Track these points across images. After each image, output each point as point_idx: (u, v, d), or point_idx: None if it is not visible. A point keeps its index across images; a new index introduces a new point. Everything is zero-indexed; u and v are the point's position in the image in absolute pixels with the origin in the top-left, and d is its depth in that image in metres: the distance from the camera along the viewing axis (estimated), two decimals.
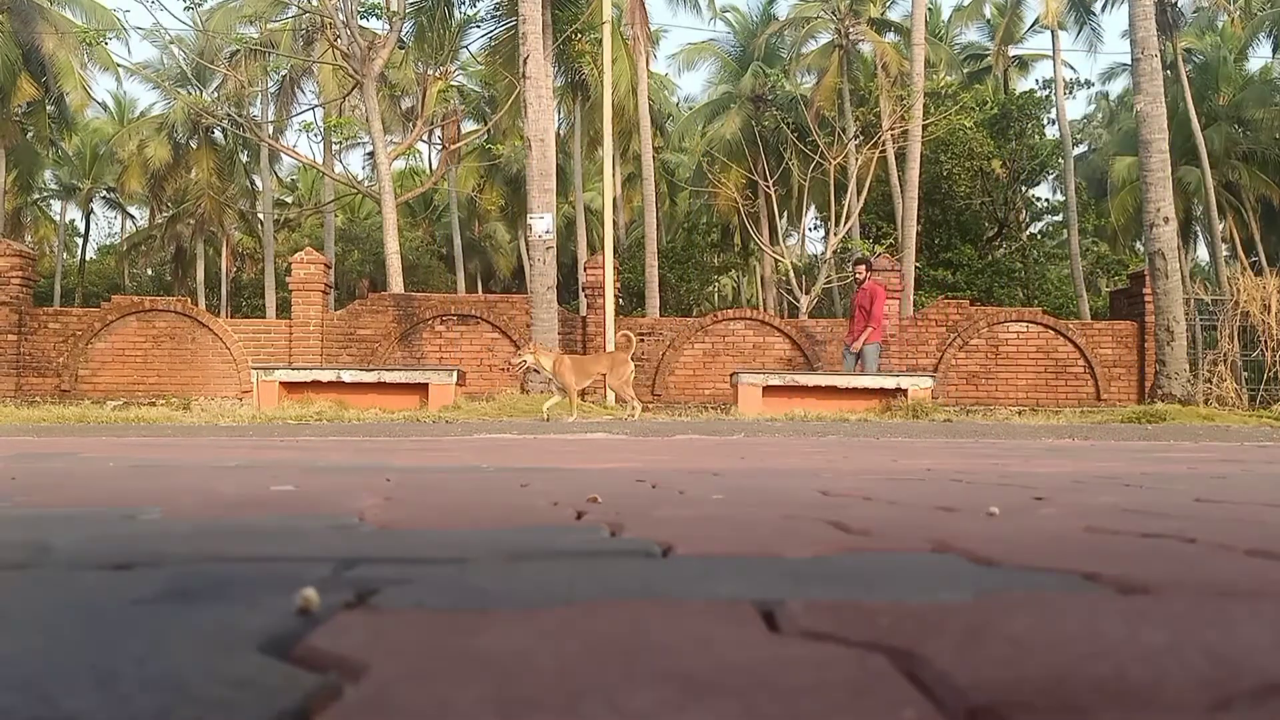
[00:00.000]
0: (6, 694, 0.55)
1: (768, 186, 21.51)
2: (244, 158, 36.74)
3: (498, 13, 22.90)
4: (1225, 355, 14.47)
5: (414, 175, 41.59)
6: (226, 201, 35.78)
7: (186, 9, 18.94)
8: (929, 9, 27.44)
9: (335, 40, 19.47)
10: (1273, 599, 0.89)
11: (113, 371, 14.66)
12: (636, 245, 32.92)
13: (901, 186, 22.71)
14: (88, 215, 44.38)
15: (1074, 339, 15.40)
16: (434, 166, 35.09)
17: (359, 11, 18.94)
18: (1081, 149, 42.28)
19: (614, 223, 11.84)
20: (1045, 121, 31.65)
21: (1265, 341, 14.42)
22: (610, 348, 13.86)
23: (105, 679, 0.59)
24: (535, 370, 10.26)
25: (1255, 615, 0.81)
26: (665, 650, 0.67)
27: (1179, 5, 31.34)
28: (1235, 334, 14.53)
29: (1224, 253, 33.58)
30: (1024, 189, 30.69)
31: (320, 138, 30.37)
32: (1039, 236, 32.33)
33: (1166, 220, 12.67)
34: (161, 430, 7.09)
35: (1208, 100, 32.99)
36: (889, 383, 11.79)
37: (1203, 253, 42.57)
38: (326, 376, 11.57)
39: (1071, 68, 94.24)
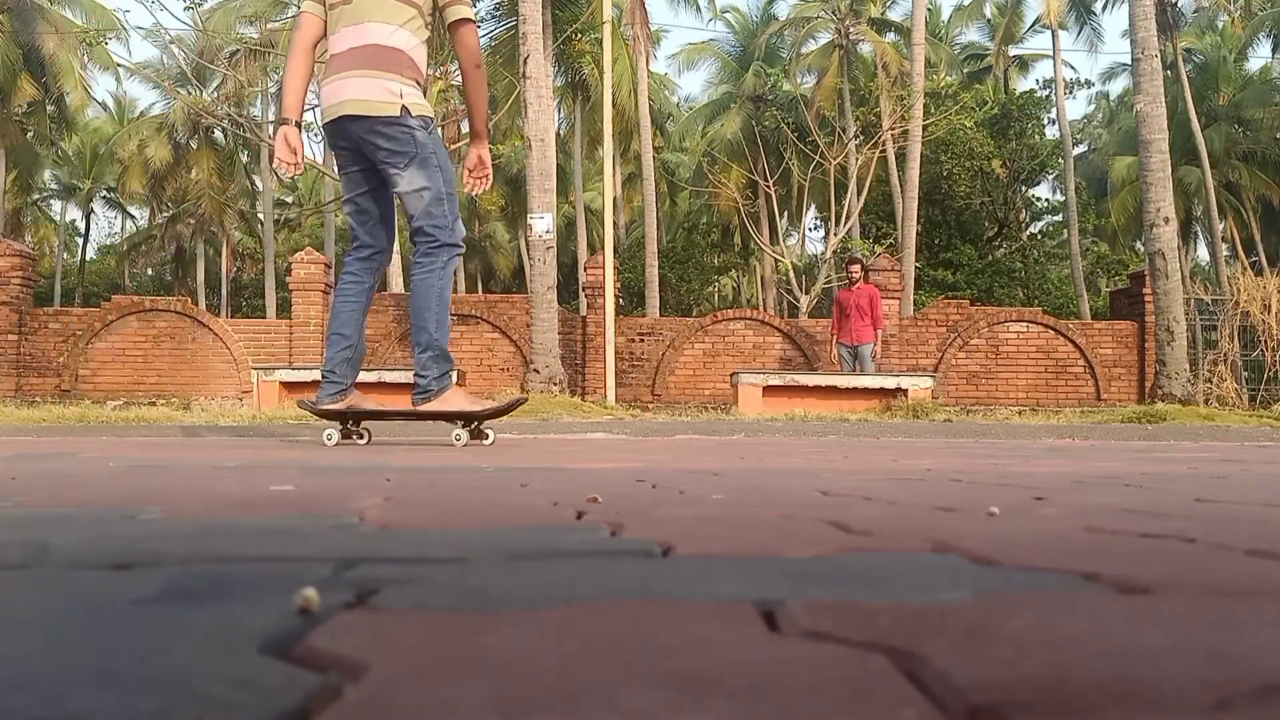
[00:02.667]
0: (8, 694, 0.55)
1: (768, 186, 21.51)
2: (244, 158, 36.73)
3: (498, 13, 22.90)
4: (1225, 355, 14.48)
5: None
6: (227, 201, 35.77)
7: (186, 9, 18.96)
8: (929, 9, 27.44)
9: None
10: (1273, 599, 0.89)
11: (113, 371, 14.66)
12: (636, 245, 32.92)
13: (901, 186, 22.71)
14: (88, 215, 44.38)
15: (1074, 339, 15.40)
16: None
17: None
18: (1081, 149, 42.29)
19: (614, 223, 11.85)
20: (1045, 121, 31.64)
21: (1265, 341, 14.42)
22: (611, 348, 13.86)
23: (106, 679, 0.59)
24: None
25: (1255, 615, 0.81)
26: (665, 650, 0.67)
27: (1179, 5, 31.33)
28: (1235, 334, 14.54)
29: (1224, 253, 33.57)
30: (1024, 189, 30.68)
31: (320, 138, 30.35)
32: (1039, 236, 32.31)
33: (1166, 220, 12.67)
34: (161, 430, 7.09)
35: (1208, 100, 32.98)
36: (889, 383, 11.79)
37: (1203, 253, 42.57)
38: None
39: (1072, 68, 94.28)
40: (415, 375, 4.59)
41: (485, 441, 4.66)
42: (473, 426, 4.65)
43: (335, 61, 4.45)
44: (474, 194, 4.87)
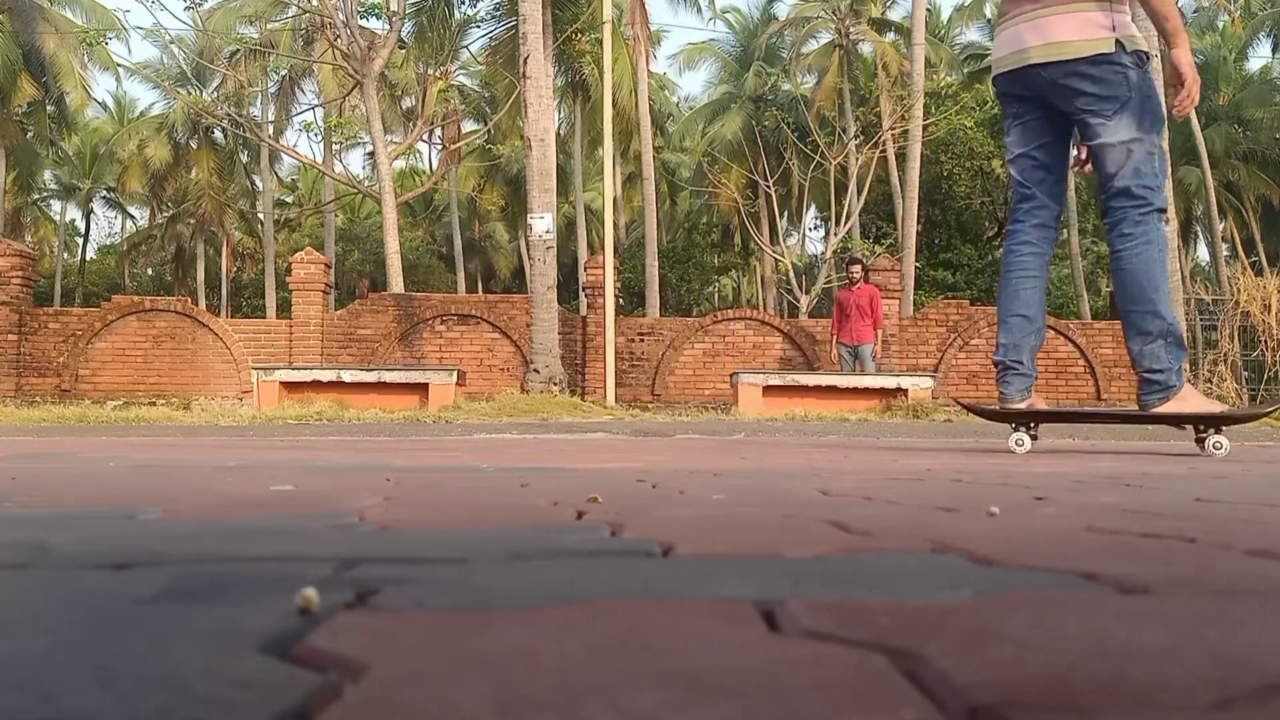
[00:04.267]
0: (8, 694, 0.55)
1: (768, 186, 21.53)
2: (244, 158, 36.75)
3: (498, 13, 22.92)
4: (1225, 355, 14.48)
5: (414, 175, 41.63)
6: (227, 201, 35.79)
7: (186, 9, 19.00)
8: (929, 9, 27.45)
9: (335, 40, 19.49)
10: (1273, 599, 0.89)
11: (113, 371, 14.66)
12: (637, 245, 32.93)
13: (901, 186, 22.71)
14: (88, 215, 44.39)
15: (1074, 339, 15.40)
16: (434, 166, 35.10)
17: (359, 11, 18.96)
18: None
19: (614, 223, 11.85)
20: None
21: (1265, 341, 14.43)
22: (611, 348, 13.86)
23: (107, 679, 0.59)
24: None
25: (1256, 615, 0.81)
26: (666, 650, 0.67)
27: (1179, 5, 31.33)
28: (1235, 334, 14.55)
29: (1224, 253, 33.57)
30: None
31: (320, 138, 30.39)
32: None
33: (1167, 220, 12.67)
34: (161, 430, 7.09)
35: (1208, 100, 32.96)
36: (889, 383, 11.80)
37: (1203, 253, 42.56)
38: (327, 376, 11.58)
39: None
40: (1145, 372, 3.72)
41: (1219, 452, 3.65)
42: (1208, 432, 3.74)
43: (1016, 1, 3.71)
44: (1179, 116, 3.77)
